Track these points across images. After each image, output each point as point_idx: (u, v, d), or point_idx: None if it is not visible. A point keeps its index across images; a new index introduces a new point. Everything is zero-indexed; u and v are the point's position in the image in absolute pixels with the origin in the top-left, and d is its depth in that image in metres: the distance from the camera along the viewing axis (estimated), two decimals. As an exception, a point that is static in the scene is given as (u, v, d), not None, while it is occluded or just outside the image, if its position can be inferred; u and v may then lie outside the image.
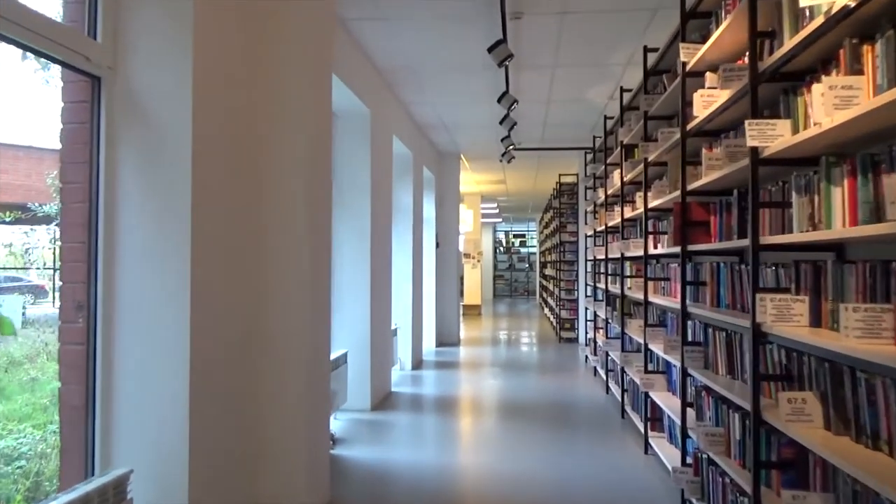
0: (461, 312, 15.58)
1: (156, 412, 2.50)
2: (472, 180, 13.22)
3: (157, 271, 2.55)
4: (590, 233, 8.00)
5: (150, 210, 2.54)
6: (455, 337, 10.20)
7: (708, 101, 3.06)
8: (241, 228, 3.04)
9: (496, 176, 12.61)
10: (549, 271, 14.40)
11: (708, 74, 3.25)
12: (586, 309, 8.25)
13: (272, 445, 3.12)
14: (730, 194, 3.06)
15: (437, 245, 9.82)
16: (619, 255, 5.62)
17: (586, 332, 8.39)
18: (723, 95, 2.94)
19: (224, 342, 2.85)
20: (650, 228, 4.53)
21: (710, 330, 3.23)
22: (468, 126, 8.17)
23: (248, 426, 3.06)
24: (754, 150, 2.40)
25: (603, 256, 6.83)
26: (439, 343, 9.98)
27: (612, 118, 6.53)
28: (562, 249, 10.71)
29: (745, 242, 2.58)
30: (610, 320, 6.19)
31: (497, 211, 19.79)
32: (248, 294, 3.08)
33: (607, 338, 6.38)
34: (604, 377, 6.66)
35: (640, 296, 4.70)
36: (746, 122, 2.33)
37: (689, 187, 3.36)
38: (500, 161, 10.09)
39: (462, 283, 16.21)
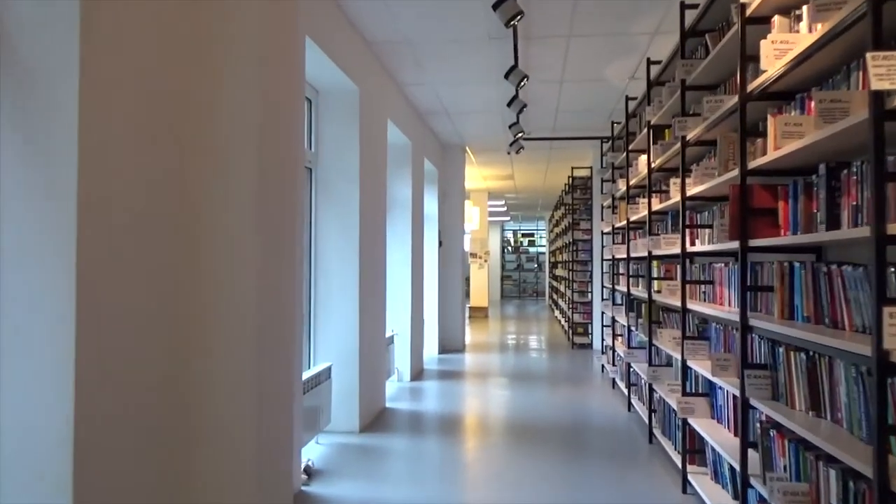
0: (467, 315, 14.87)
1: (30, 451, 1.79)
2: (478, 175, 12.49)
3: (35, 271, 1.84)
4: (607, 229, 7.25)
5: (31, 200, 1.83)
6: (460, 343, 9.47)
7: (782, 49, 2.31)
8: (164, 226, 2.32)
9: (503, 170, 11.87)
10: (559, 272, 13.65)
11: (776, 19, 2.50)
12: (602, 313, 7.51)
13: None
14: (809, 173, 2.31)
15: (440, 244, 9.09)
16: (644, 254, 4.87)
17: (602, 339, 7.65)
18: (802, 41, 2.20)
19: (132, 384, 2.13)
20: (688, 221, 3.78)
21: (781, 350, 2.49)
22: (472, 113, 7.43)
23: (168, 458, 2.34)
24: (878, 99, 1.66)
25: (624, 255, 6.08)
26: (443, 349, 9.25)
27: (634, 99, 5.78)
28: (574, 248, 9.96)
29: (859, 233, 1.83)
30: (633, 328, 5.44)
31: (505, 209, 19.05)
32: (170, 311, 2.36)
33: (629, 347, 5.64)
34: (625, 391, 5.92)
35: (672, 301, 3.95)
36: (869, 55, 1.59)
37: (751, 165, 2.62)
38: (508, 154, 9.34)
39: (468, 284, 15.49)
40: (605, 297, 7.62)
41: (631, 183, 5.50)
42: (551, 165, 11.14)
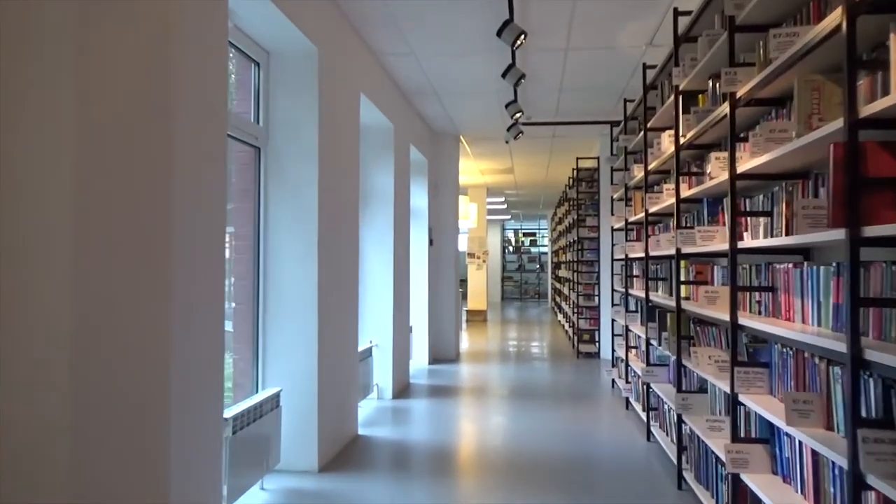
0: (464, 319, 13.96)
1: None
2: (474, 169, 11.58)
3: None
4: (618, 225, 6.33)
5: None
6: (453, 351, 8.55)
7: None
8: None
9: (502, 163, 10.95)
10: (563, 273, 12.73)
11: None
12: (613, 321, 6.60)
13: None
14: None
15: (431, 242, 8.18)
16: (670, 252, 3.96)
17: (613, 350, 6.74)
18: None
19: None
20: (742, 207, 2.87)
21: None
22: (465, 94, 6.52)
23: None
24: None
25: (640, 254, 5.16)
26: (434, 359, 8.34)
27: (653, 67, 4.86)
28: (579, 247, 9.04)
29: None
30: (653, 341, 4.53)
31: (505, 207, 18.13)
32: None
33: (648, 364, 4.72)
34: (642, 415, 5.00)
35: (711, 312, 3.04)
36: None
37: (865, 113, 1.70)
38: (507, 143, 8.46)
39: (465, 286, 14.58)
40: (615, 302, 6.70)
41: (650, 167, 4.58)
42: (554, 157, 10.22)
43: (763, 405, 2.50)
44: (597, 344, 8.78)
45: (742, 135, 2.95)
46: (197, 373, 2.45)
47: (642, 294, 5.03)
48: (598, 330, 8.69)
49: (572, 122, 7.30)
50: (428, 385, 6.82)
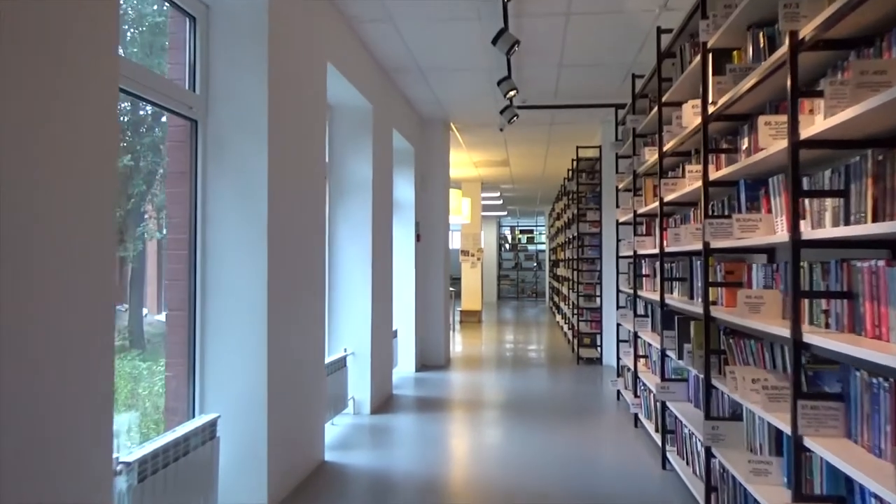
0: (458, 320, 13.28)
1: None
2: (467, 161, 10.89)
3: None
4: (625, 218, 5.65)
5: None
6: (442, 357, 7.87)
7: None
8: None
9: (497, 154, 10.27)
10: (561, 271, 12.05)
11: None
12: (618, 325, 5.92)
13: None
14: None
15: (418, 238, 7.50)
16: (695, 247, 3.28)
17: (618, 357, 6.06)
18: None
19: None
20: (806, 186, 2.20)
21: None
22: (453, 71, 5.83)
23: None
24: None
25: (652, 250, 4.50)
26: (421, 366, 7.66)
27: (668, 31, 4.17)
28: (579, 244, 8.36)
29: None
30: (669, 352, 3.85)
31: (501, 203, 17.45)
32: None
33: (662, 379, 4.04)
34: (655, 437, 4.33)
35: (756, 323, 2.37)
36: None
37: None
38: (501, 129, 7.77)
39: (459, 285, 13.91)
40: (621, 304, 6.01)
41: (666, 148, 3.89)
42: (552, 147, 9.54)
43: (840, 453, 1.82)
44: (599, 349, 8.10)
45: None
46: (56, 410, 1.77)
47: (655, 296, 4.35)
48: (601, 334, 8.02)
49: (573, 106, 6.62)
50: (413, 397, 6.14)
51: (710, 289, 3.17)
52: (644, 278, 5.01)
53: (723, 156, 3.12)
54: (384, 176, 5.89)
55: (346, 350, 5.18)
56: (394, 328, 6.97)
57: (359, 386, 5.34)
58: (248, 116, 3.25)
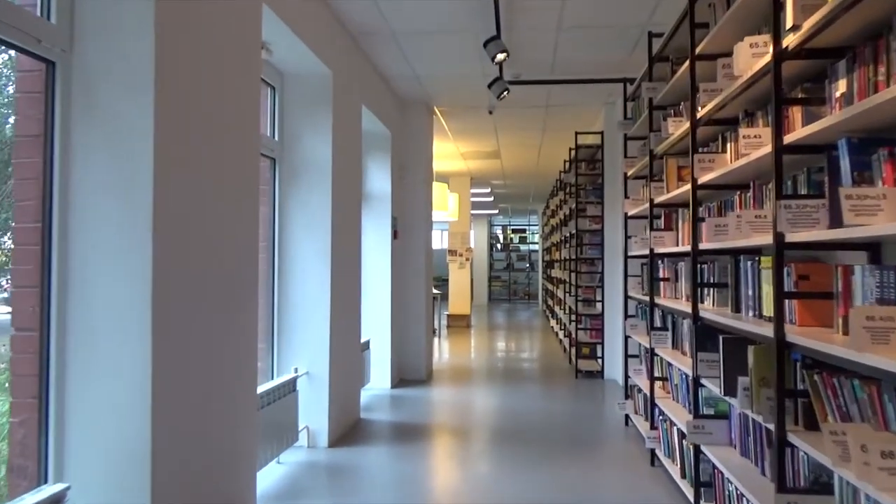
0: (444, 325, 12.36)
1: None
2: (454, 153, 9.96)
3: None
4: (635, 210, 4.74)
5: None
6: (423, 370, 6.92)
7: None
8: None
9: (486, 144, 9.34)
10: (556, 272, 11.13)
11: None
12: (627, 338, 5.00)
13: None
14: None
15: (395, 235, 6.56)
16: (753, 243, 2.36)
17: (626, 376, 5.13)
18: None
19: None
20: None
21: None
22: (428, 32, 4.90)
23: None
24: None
25: (675, 248, 3.59)
26: (399, 381, 6.72)
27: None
28: (577, 242, 7.43)
29: None
30: (708, 381, 2.92)
31: (492, 200, 16.52)
32: None
33: (696, 414, 3.12)
34: (679, 483, 3.41)
35: (879, 359, 1.44)
36: None
37: None
38: (490, 112, 6.87)
39: (446, 287, 13.00)
40: (632, 313, 5.09)
41: (704, 112, 2.97)
42: (547, 136, 8.62)
43: None
44: (600, 361, 7.18)
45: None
46: None
47: (680, 306, 3.43)
48: (602, 344, 7.10)
49: (573, 81, 5.69)
50: (384, 423, 5.19)
51: (766, 299, 2.24)
52: (663, 283, 4.09)
53: (794, 114, 2.20)
54: (350, 160, 4.94)
55: (296, 370, 4.23)
56: (365, 339, 6.04)
57: (314, 413, 4.38)
58: (128, 57, 2.30)
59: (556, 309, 10.94)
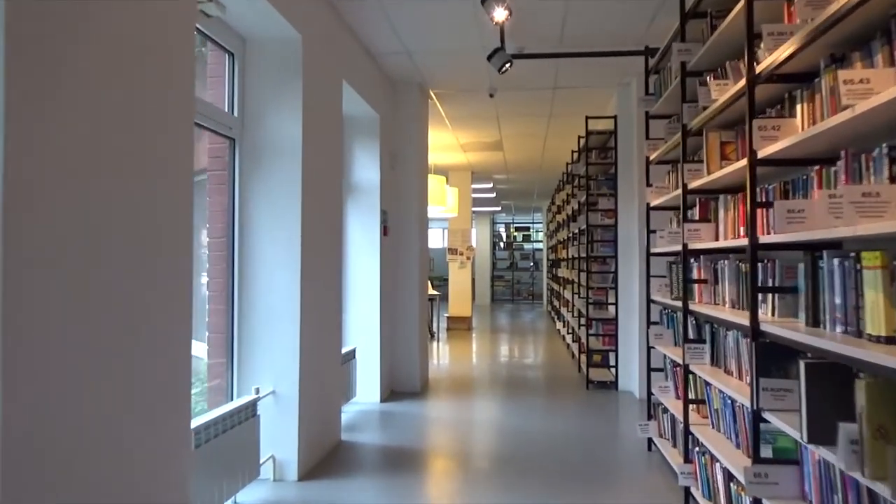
0: (444, 327, 11.68)
1: None
2: (453, 144, 9.26)
3: None
4: (661, 200, 4.05)
5: None
6: (417, 380, 6.23)
7: None
8: None
9: (488, 134, 8.64)
10: (563, 272, 10.43)
11: None
12: (650, 348, 4.29)
13: None
14: None
15: (385, 232, 5.87)
16: (848, 233, 1.66)
17: (649, 393, 4.42)
18: None
19: None
20: None
21: None
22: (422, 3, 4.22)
23: None
24: None
25: (711, 243, 2.90)
26: (390, 393, 6.04)
27: None
28: (588, 238, 6.73)
29: None
30: (774, 415, 2.22)
31: (494, 196, 15.82)
32: None
33: (756, 459, 2.42)
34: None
35: None
36: None
37: None
38: (491, 95, 6.18)
39: (447, 287, 12.33)
40: (655, 319, 4.39)
41: (766, 65, 2.27)
42: (554, 123, 7.92)
43: None
44: (613, 370, 6.48)
45: None
46: None
47: (724, 315, 2.73)
48: (616, 351, 6.40)
49: (586, 54, 4.98)
50: (370, 447, 4.50)
51: (872, 310, 1.55)
52: (699, 286, 3.40)
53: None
54: (328, 143, 4.25)
55: (257, 391, 3.54)
56: (349, 348, 5.36)
57: (281, 440, 3.70)
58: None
59: (563, 311, 10.24)
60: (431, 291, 10.42)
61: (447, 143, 9.24)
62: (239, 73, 3.67)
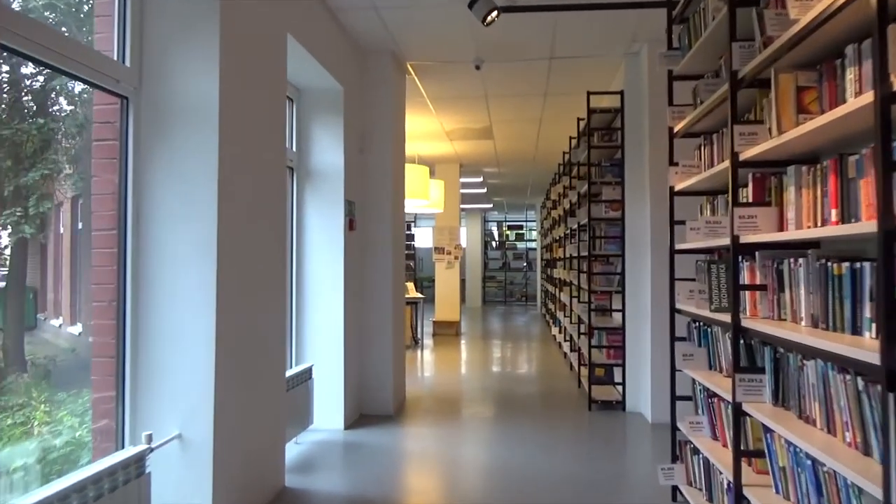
0: (431, 333, 10.77)
1: None
2: (438, 131, 8.33)
3: None
4: (689, 183, 3.15)
5: None
6: (391, 401, 5.29)
7: None
8: None
9: (476, 119, 7.72)
10: (559, 273, 9.52)
11: None
12: (675, 372, 3.38)
13: None
14: None
15: (351, 226, 4.94)
16: None
17: (674, 428, 3.49)
18: None
19: None
20: None
21: None
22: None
23: None
24: None
25: (778, 234, 1.98)
26: (358, 417, 5.11)
27: None
28: (589, 234, 5.81)
29: None
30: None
31: (485, 192, 14.91)
32: None
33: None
34: None
35: None
36: None
37: None
38: (478, 66, 5.30)
39: (433, 289, 11.42)
40: (681, 334, 3.46)
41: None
42: (550, 102, 7.00)
43: None
44: (619, 388, 5.57)
45: None
46: None
47: (799, 338, 1.82)
48: (623, 366, 5.49)
49: (590, 7, 4.06)
50: (320, 497, 3.56)
51: None
52: (752, 293, 2.48)
53: None
54: (262, 107, 3.32)
55: (150, 438, 2.59)
56: (305, 366, 4.43)
57: (189, 498, 2.76)
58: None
59: (559, 315, 9.32)
60: (414, 294, 9.49)
61: (431, 130, 8.32)
62: (134, 8, 2.74)
